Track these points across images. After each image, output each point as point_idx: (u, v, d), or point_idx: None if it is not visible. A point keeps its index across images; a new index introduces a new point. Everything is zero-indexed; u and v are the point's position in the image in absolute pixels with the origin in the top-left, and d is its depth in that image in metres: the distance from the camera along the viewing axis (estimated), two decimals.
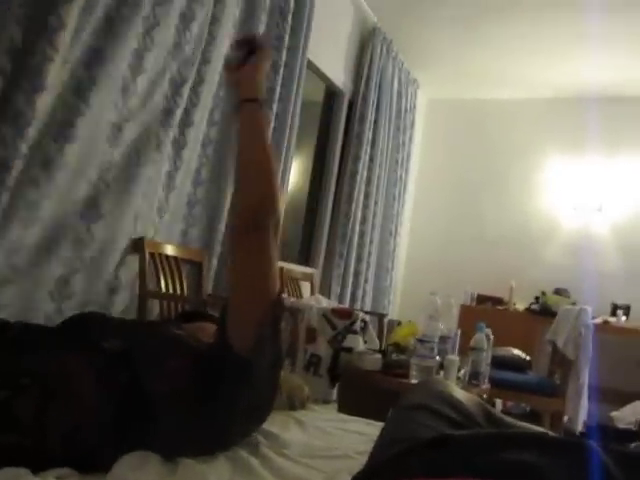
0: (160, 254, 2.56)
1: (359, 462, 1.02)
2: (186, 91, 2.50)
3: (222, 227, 2.94)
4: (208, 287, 2.91)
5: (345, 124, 4.41)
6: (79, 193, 2.12)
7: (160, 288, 2.54)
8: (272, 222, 1.13)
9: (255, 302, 1.07)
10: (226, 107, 2.85)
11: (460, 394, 1.10)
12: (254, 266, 1.11)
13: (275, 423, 1.30)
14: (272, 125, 3.16)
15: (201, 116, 2.69)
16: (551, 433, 1.13)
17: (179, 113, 2.50)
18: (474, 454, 0.62)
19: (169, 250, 2.62)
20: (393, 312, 5.13)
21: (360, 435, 1.35)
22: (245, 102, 1.25)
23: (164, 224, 2.60)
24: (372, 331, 3.24)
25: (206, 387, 1.01)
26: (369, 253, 4.55)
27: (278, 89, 3.17)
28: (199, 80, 2.62)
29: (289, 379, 1.41)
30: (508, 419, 1.14)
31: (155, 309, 2.52)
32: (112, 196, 2.26)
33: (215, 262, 2.95)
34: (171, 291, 2.60)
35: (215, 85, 2.75)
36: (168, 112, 2.44)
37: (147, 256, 2.44)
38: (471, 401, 1.12)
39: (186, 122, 2.58)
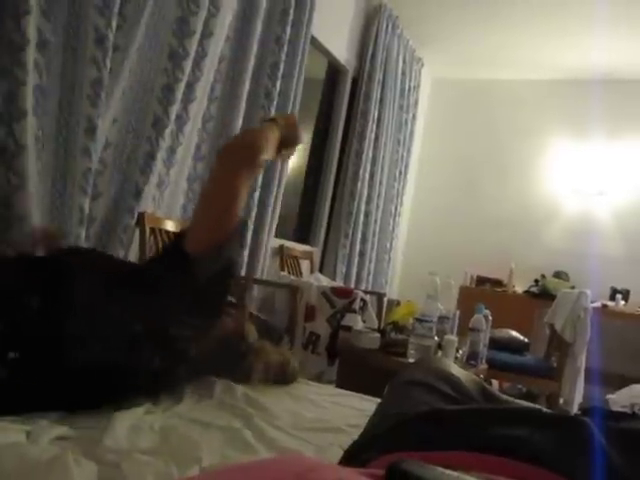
0: (160, 229, 2.55)
1: (352, 436, 1.03)
2: (188, 65, 2.47)
3: None
4: None
5: (348, 102, 4.37)
6: (79, 168, 2.11)
7: None
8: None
9: (218, 228, 1.18)
10: (226, 82, 2.82)
11: (458, 372, 1.10)
12: (223, 197, 1.22)
13: (268, 396, 1.31)
14: (275, 102, 3.14)
15: (203, 91, 2.66)
16: (545, 409, 1.14)
17: (182, 88, 2.48)
18: (467, 428, 0.63)
19: (169, 225, 2.61)
20: (392, 292, 5.15)
21: (354, 409, 1.36)
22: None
23: (164, 199, 2.59)
24: (371, 310, 3.25)
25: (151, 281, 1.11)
26: (373, 233, 4.55)
27: (281, 65, 3.14)
28: (202, 54, 2.58)
29: (272, 351, 1.39)
30: (505, 397, 1.15)
31: None
32: (112, 171, 2.25)
33: None
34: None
35: (217, 59, 2.72)
36: (169, 87, 2.41)
37: (147, 231, 2.43)
38: (469, 379, 1.12)
39: (189, 97, 2.55)
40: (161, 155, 2.46)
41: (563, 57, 4.72)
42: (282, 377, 1.39)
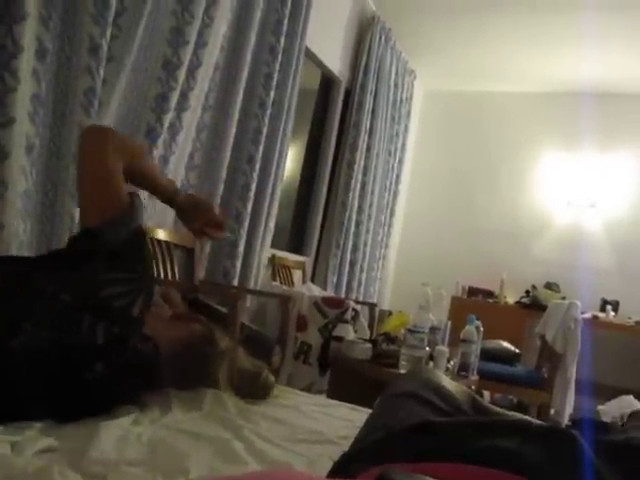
0: (152, 239, 2.55)
1: (342, 447, 1.02)
2: (182, 74, 2.47)
3: None
4: (200, 273, 2.91)
5: (341, 112, 4.39)
6: (71, 176, 2.10)
7: None
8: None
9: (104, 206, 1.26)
10: (220, 92, 2.83)
11: (448, 383, 1.10)
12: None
13: (258, 407, 1.31)
14: (268, 111, 3.15)
15: (197, 100, 2.67)
16: (535, 421, 1.14)
17: (175, 96, 2.48)
18: (456, 441, 0.63)
19: (161, 235, 2.60)
20: (385, 302, 5.15)
21: (344, 420, 1.35)
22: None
23: (157, 209, 2.58)
24: (363, 321, 3.25)
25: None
26: (365, 243, 4.56)
27: (275, 75, 3.15)
28: (197, 63, 2.59)
29: (245, 360, 1.36)
30: (495, 408, 1.15)
31: None
32: None
33: (208, 247, 2.95)
34: (162, 276, 2.59)
35: (211, 68, 2.73)
36: (163, 96, 2.41)
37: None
38: (459, 391, 1.12)
39: (183, 106, 2.56)
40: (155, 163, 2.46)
41: (554, 70, 4.77)
42: (254, 388, 1.35)
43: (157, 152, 2.44)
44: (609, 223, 4.91)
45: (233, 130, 2.93)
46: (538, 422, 0.67)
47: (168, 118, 2.45)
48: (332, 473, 0.78)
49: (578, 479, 0.55)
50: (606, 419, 4.02)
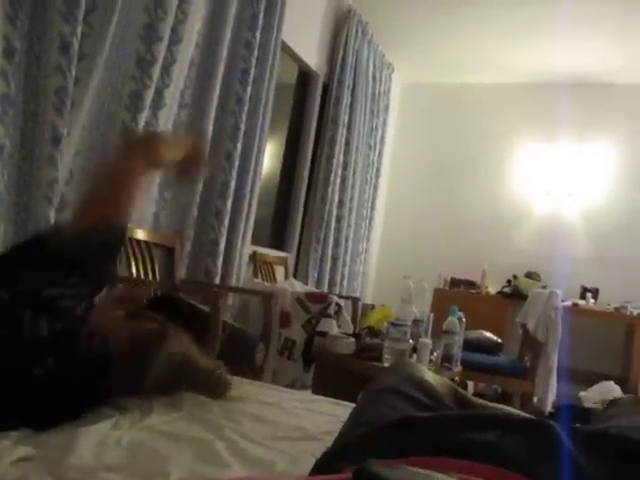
0: (131, 238, 2.52)
1: (325, 443, 1.02)
2: (156, 71, 2.44)
3: (195, 211, 2.91)
4: (181, 272, 2.88)
5: (319, 107, 4.37)
6: (44, 177, 2.07)
7: (131, 273, 2.50)
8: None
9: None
10: (196, 89, 2.80)
11: (431, 377, 1.10)
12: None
13: (239, 405, 1.29)
14: (246, 107, 3.12)
15: (172, 98, 2.64)
16: (517, 412, 1.15)
17: (150, 94, 2.45)
18: (437, 435, 0.63)
19: (140, 235, 2.58)
20: (367, 296, 5.16)
21: (327, 415, 1.35)
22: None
23: (135, 209, 2.55)
24: (346, 315, 3.26)
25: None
26: (346, 238, 4.56)
27: (252, 70, 3.13)
28: (171, 60, 2.56)
29: (200, 359, 1.29)
30: (478, 401, 1.16)
31: None
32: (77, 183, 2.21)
33: (188, 246, 2.92)
34: (142, 276, 2.56)
35: (186, 65, 2.69)
36: (138, 94, 2.37)
37: None
38: (442, 384, 1.12)
39: (158, 104, 2.52)
40: None
41: (530, 60, 4.80)
42: (208, 387, 1.31)
43: None
44: (587, 212, 4.97)
45: (210, 127, 2.90)
46: (519, 414, 0.67)
47: (143, 117, 2.42)
48: (315, 470, 0.77)
49: (556, 469, 0.55)
50: (588, 405, 4.08)
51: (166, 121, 2.63)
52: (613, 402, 1.13)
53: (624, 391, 4.21)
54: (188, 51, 2.68)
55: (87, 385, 1.08)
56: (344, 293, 4.52)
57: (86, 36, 2.08)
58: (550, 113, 5.03)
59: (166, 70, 2.52)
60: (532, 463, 0.55)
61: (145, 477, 0.84)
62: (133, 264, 2.52)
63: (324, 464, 0.75)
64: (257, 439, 1.11)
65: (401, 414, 0.82)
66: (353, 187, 4.58)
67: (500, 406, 1.15)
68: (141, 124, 2.40)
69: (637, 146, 4.86)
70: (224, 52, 2.92)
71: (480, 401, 1.11)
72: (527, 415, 1.12)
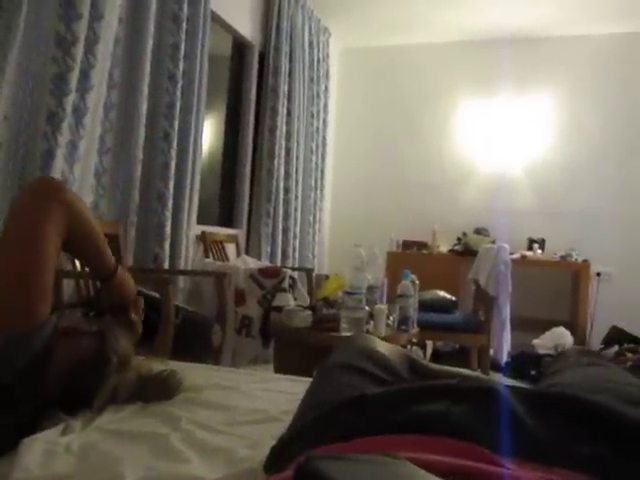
0: None
1: (284, 424, 1.00)
2: (79, 51, 2.31)
3: (136, 196, 2.81)
4: (128, 260, 2.79)
5: (257, 78, 4.27)
6: None
7: (74, 267, 2.40)
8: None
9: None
10: (125, 67, 2.68)
11: (384, 347, 1.10)
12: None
13: (195, 394, 1.26)
14: (179, 84, 3.01)
15: (100, 78, 2.51)
16: (470, 374, 1.16)
17: (75, 76, 2.32)
18: (387, 411, 0.63)
19: None
20: (323, 266, 5.16)
21: (286, 394, 1.33)
22: None
23: None
24: (301, 287, 3.25)
25: None
26: (295, 209, 4.52)
27: (182, 45, 3.01)
28: (94, 39, 2.42)
29: (143, 367, 1.21)
30: (433, 366, 1.16)
31: (70, 289, 2.39)
32: (5, 175, 2.09)
33: (133, 233, 2.83)
34: (87, 269, 2.47)
35: (111, 43, 2.56)
36: (61, 77, 2.24)
37: None
38: (395, 353, 1.12)
39: (85, 86, 2.40)
40: (61, 152, 2.31)
41: (467, 18, 4.80)
42: (157, 391, 1.23)
43: (62, 138, 2.28)
44: (529, 165, 5.07)
45: (144, 107, 2.79)
46: (467, 380, 0.67)
47: (70, 100, 2.30)
48: (271, 457, 0.76)
49: (505, 432, 0.56)
50: (542, 351, 4.24)
51: (96, 104, 2.50)
52: (561, 354, 1.16)
53: (574, 335, 4.39)
54: (112, 27, 2.55)
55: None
56: (298, 265, 4.50)
57: None
58: (489, 69, 5.07)
59: (90, 49, 2.39)
60: (481, 429, 0.55)
61: None
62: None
63: (280, 451, 0.74)
64: (215, 427, 1.09)
65: (356, 390, 0.81)
66: (298, 158, 4.53)
67: (454, 369, 1.16)
68: (68, 109, 2.28)
69: (576, 97, 4.96)
70: (151, 27, 2.79)
71: (434, 366, 1.12)
72: (475, 376, 1.14)
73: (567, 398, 0.60)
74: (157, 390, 1.20)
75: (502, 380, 3.66)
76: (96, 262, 1.23)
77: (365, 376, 0.87)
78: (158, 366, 1.25)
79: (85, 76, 2.38)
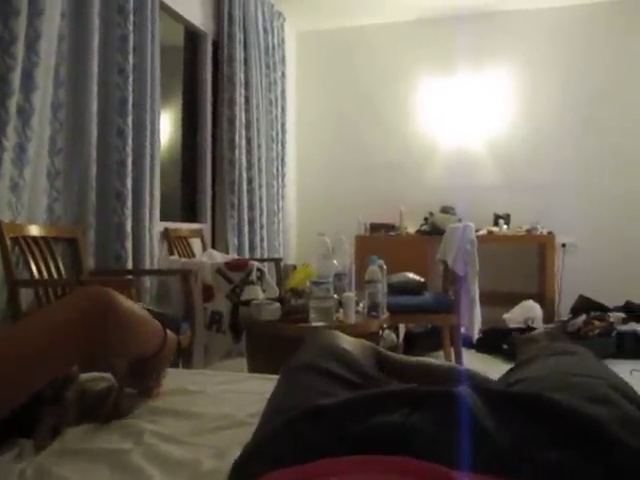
0: (24, 237, 2.32)
1: (252, 427, 0.97)
2: (20, 50, 2.21)
3: (93, 197, 2.72)
4: (89, 264, 2.71)
5: (213, 67, 4.18)
6: None
7: (32, 275, 2.32)
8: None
9: None
10: (71, 64, 2.58)
11: (348, 343, 1.07)
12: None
13: (160, 402, 1.23)
14: (131, 78, 2.92)
15: (45, 77, 2.41)
16: (438, 364, 1.15)
17: (17, 76, 2.22)
18: (344, 423, 0.60)
19: (34, 231, 2.38)
20: (292, 256, 5.13)
21: (254, 394, 1.30)
22: None
23: (24, 203, 2.35)
24: (270, 279, 3.21)
25: None
26: (260, 199, 4.46)
27: (131, 37, 2.91)
28: (35, 36, 2.32)
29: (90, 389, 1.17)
30: (400, 358, 1.14)
31: (29, 298, 2.31)
32: None
33: (92, 235, 2.75)
34: (45, 276, 2.39)
35: (55, 39, 2.46)
36: (2, 77, 2.15)
37: (8, 242, 2.20)
38: (361, 348, 1.10)
39: (29, 86, 2.30)
40: (9, 155, 2.22)
41: None
42: (105, 411, 1.17)
43: (9, 143, 2.19)
44: (491, 141, 5.10)
45: (95, 104, 2.70)
46: (425, 387, 0.65)
47: (14, 102, 2.21)
48: (233, 474, 0.73)
49: (462, 443, 0.54)
50: (512, 325, 4.30)
51: (42, 104, 2.41)
52: (531, 339, 1.15)
53: (543, 307, 4.46)
54: (54, 23, 2.44)
55: None
56: (267, 256, 4.46)
57: None
58: (447, 47, 5.06)
59: (31, 47, 2.29)
60: (440, 441, 0.53)
61: None
62: (32, 264, 2.34)
63: (241, 467, 0.71)
64: (180, 438, 1.05)
65: (319, 395, 0.78)
66: (260, 147, 4.46)
67: (421, 359, 1.14)
68: (12, 110, 2.18)
69: (535, 71, 4.98)
70: (96, 20, 2.69)
71: (400, 359, 1.10)
72: (438, 366, 1.12)
73: (528, 398, 0.58)
74: (102, 409, 1.14)
75: (473, 357, 3.70)
76: (145, 349, 1.08)
77: (330, 378, 0.85)
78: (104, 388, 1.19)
79: (28, 76, 2.29)
